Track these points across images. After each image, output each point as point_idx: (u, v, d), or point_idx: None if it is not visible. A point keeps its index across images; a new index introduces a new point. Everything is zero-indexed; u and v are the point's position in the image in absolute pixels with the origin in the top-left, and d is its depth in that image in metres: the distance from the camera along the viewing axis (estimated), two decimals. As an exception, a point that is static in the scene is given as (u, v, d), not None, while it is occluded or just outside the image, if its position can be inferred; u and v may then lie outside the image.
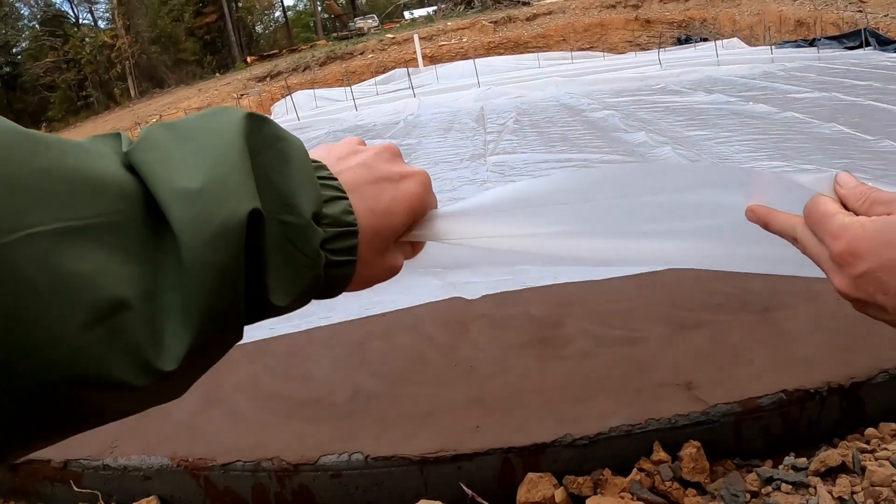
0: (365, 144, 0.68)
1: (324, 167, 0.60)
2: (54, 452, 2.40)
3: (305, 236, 0.53)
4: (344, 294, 0.61)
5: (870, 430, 2.02)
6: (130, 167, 0.48)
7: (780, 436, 1.99)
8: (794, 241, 0.73)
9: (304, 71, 27.43)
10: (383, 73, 23.90)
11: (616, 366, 2.26)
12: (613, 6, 27.19)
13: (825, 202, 0.70)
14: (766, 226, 0.75)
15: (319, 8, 53.22)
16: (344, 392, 2.42)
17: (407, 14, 41.66)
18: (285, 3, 57.63)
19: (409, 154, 6.71)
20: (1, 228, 0.38)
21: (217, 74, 36.03)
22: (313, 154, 0.63)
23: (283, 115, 18.14)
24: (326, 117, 13.11)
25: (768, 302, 2.55)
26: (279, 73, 27.00)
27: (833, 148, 4.86)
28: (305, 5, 58.21)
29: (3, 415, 0.39)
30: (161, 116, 21.64)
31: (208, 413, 2.47)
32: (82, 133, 24.99)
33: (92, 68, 38.44)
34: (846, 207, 0.69)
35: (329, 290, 0.59)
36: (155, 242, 0.46)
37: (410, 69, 18.82)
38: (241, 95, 23.64)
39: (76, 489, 2.37)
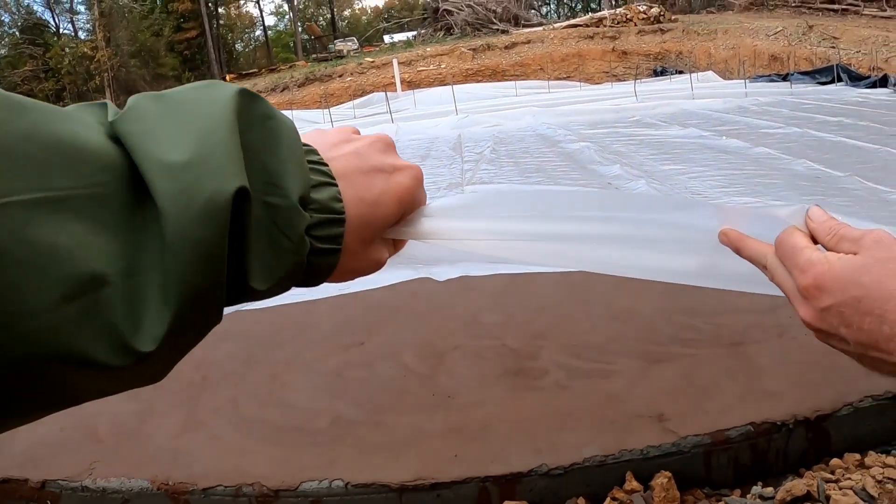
0: (359, 133, 0.66)
1: (314, 151, 0.58)
2: (32, 472, 2.38)
3: (291, 220, 0.52)
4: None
5: (835, 461, 2.10)
6: (115, 138, 0.46)
7: (748, 466, 2.06)
8: (763, 268, 0.75)
9: (282, 91, 27.43)
10: (361, 96, 23.95)
11: (590, 397, 2.32)
12: (591, 37, 27.47)
13: (796, 235, 0.72)
14: (737, 251, 0.77)
15: (300, 29, 53.35)
16: (324, 419, 2.45)
17: (387, 38, 41.87)
18: (266, 23, 57.81)
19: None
20: None
21: (195, 92, 36.00)
22: (305, 138, 0.61)
23: (261, 135, 18.19)
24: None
25: (738, 337, 2.63)
26: (258, 93, 27.07)
27: (803, 184, 4.98)
28: (286, 25, 58.33)
29: None
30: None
31: (188, 436, 2.48)
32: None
33: (70, 79, 38.13)
34: (815, 241, 0.71)
35: (311, 278, 0.57)
36: (137, 217, 0.44)
37: (389, 94, 18.90)
38: (219, 114, 23.65)
39: (53, 510, 2.35)
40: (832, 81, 14.62)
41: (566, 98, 15.51)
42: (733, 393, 2.21)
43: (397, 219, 0.65)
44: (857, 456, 2.08)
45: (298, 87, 27.69)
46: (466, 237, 0.70)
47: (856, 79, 14.47)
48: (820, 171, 5.34)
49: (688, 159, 6.26)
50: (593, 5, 51.66)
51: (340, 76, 27.88)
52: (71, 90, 38.53)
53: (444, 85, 22.00)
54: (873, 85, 13.15)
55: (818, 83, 14.86)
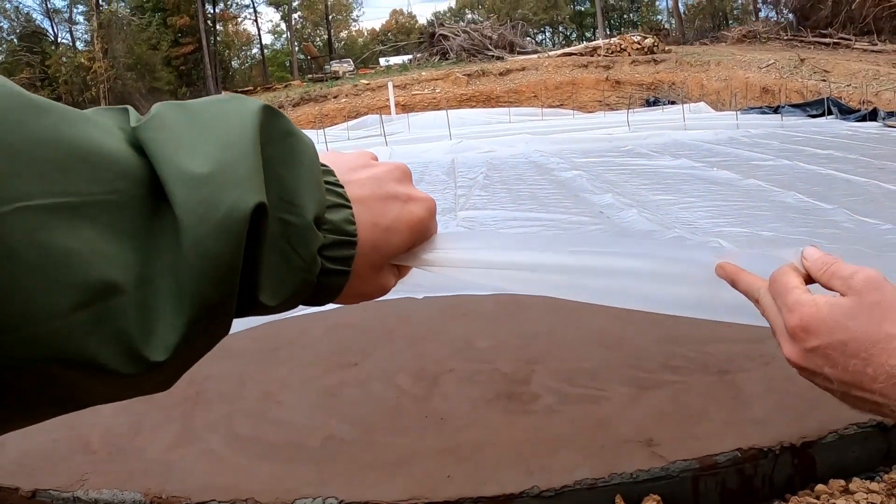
0: (377, 160, 0.67)
1: (331, 172, 0.59)
2: (23, 481, 2.38)
3: (304, 238, 0.52)
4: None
5: (820, 487, 2.15)
6: (135, 144, 0.46)
7: (735, 491, 2.10)
8: (756, 302, 0.76)
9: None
10: (356, 117, 24.00)
11: (581, 422, 2.36)
12: (585, 66, 27.67)
13: (789, 274, 0.73)
14: (733, 283, 0.78)
15: (297, 48, 53.56)
16: (318, 437, 2.48)
17: (382, 61, 42.08)
18: (263, 41, 58.03)
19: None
20: None
21: (190, 108, 35.96)
22: (322, 159, 0.61)
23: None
24: (299, 160, 13.08)
25: (726, 365, 2.68)
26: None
27: (792, 216, 5.04)
28: (283, 44, 58.59)
29: None
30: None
31: (181, 451, 2.49)
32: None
33: (66, 88, 38.03)
34: (810, 279, 0.72)
35: (319, 297, 0.57)
36: (153, 226, 0.44)
37: (383, 116, 18.97)
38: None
39: (43, 521, 2.33)
40: (823, 114, 14.73)
41: (559, 126, 15.61)
42: (721, 419, 2.26)
43: (408, 247, 0.65)
44: (842, 482, 2.13)
45: (293, 106, 27.77)
46: (470, 266, 0.72)
47: (846, 112, 14.58)
48: (809, 203, 5.42)
49: (679, 190, 6.33)
50: (588, 34, 52.17)
51: (335, 97, 27.97)
52: (66, 100, 38.49)
53: (439, 109, 22.09)
54: (863, 118, 13.26)
55: (809, 116, 14.96)
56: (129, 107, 0.50)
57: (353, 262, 0.57)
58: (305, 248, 0.52)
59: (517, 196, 6.63)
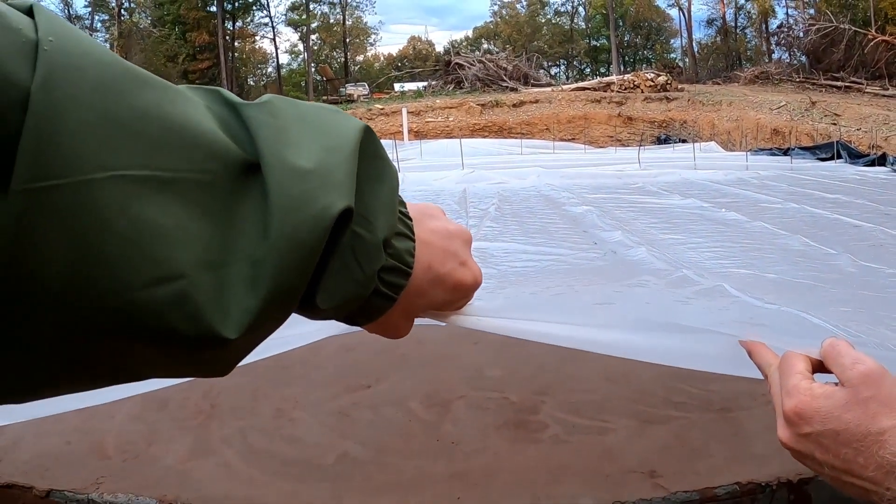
0: (445, 215, 0.69)
1: (404, 204, 0.61)
2: (37, 481, 2.40)
3: (371, 255, 0.54)
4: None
5: (814, 521, 2.23)
6: (227, 127, 0.47)
7: (733, 523, 2.19)
8: (765, 378, 0.79)
9: (290, 131, 27.54)
10: (369, 142, 24.06)
11: (586, 452, 2.45)
12: (598, 101, 27.83)
13: (796, 357, 0.75)
14: (750, 354, 0.82)
15: (313, 69, 53.93)
16: (331, 455, 2.54)
17: (397, 86, 42.33)
18: (280, 60, 58.47)
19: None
20: (89, 165, 0.37)
21: (204, 124, 36.01)
22: None
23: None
24: (312, 182, 13.06)
25: (727, 403, 2.77)
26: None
27: (798, 259, 5.09)
28: (299, 64, 58.96)
29: (48, 347, 0.39)
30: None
31: (196, 461, 2.54)
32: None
33: (83, 95, 38.11)
34: (822, 366, 0.73)
35: (360, 316, 0.59)
36: (237, 209, 0.45)
37: (396, 141, 19.06)
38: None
39: (56, 521, 2.34)
40: (832, 158, 14.69)
41: (571, 160, 15.68)
42: (722, 455, 2.34)
43: (441, 306, 0.67)
44: (835, 520, 2.21)
45: (307, 127, 27.88)
46: (487, 328, 0.76)
47: (855, 156, 14.51)
48: (814, 247, 5.47)
49: (687, 230, 6.38)
50: (602, 69, 52.45)
51: (349, 120, 28.06)
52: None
53: (451, 138, 22.15)
54: (872, 163, 13.21)
55: (818, 159, 14.91)
56: (221, 88, 0.52)
57: (401, 293, 0.59)
58: (369, 264, 0.54)
59: (528, 229, 6.68)
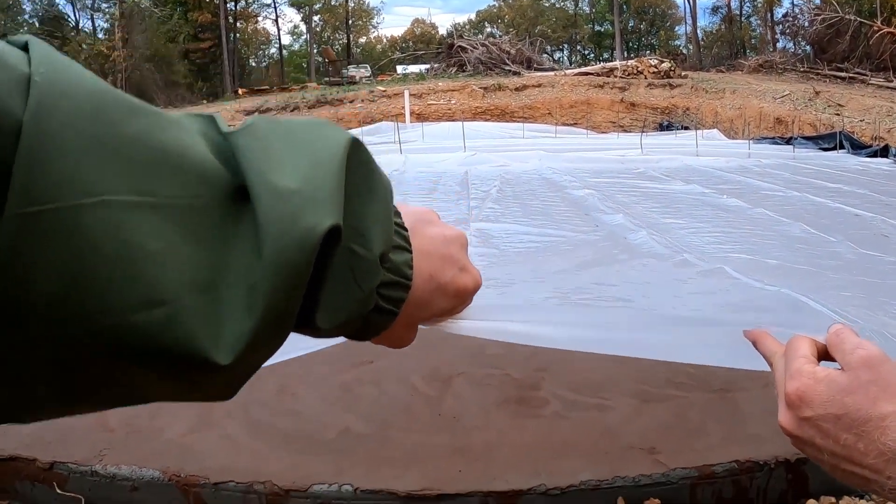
0: (440, 219, 0.68)
1: (399, 214, 0.59)
2: (40, 453, 2.42)
3: (368, 272, 0.53)
4: None
5: (811, 502, 2.25)
6: (220, 152, 0.47)
7: (730, 500, 2.22)
8: (770, 366, 0.78)
9: (292, 111, 27.40)
10: (370, 123, 23.89)
11: (587, 428, 2.47)
12: (601, 86, 27.71)
13: (801, 341, 0.75)
14: (755, 344, 0.81)
15: (315, 51, 53.72)
16: (333, 430, 2.57)
17: (400, 69, 42.06)
18: (282, 42, 58.27)
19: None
20: (79, 189, 0.38)
21: (205, 101, 35.93)
22: None
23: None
24: (314, 162, 12.96)
25: (727, 384, 2.79)
26: (268, 110, 26.71)
27: (798, 246, 5.11)
28: (301, 46, 58.73)
29: (44, 369, 0.39)
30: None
31: (199, 434, 2.56)
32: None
33: (83, 76, 37.83)
34: (828, 354, 0.73)
35: (363, 332, 0.58)
36: (228, 232, 0.45)
37: (398, 123, 19.00)
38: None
39: (59, 492, 2.37)
40: (834, 148, 14.65)
41: (573, 145, 15.66)
42: (720, 434, 2.37)
43: (444, 313, 0.66)
44: (832, 499, 2.24)
45: (309, 108, 27.77)
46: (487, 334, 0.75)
47: (858, 147, 14.49)
48: (815, 234, 5.48)
49: (688, 214, 6.39)
50: (606, 55, 52.27)
51: (351, 102, 27.95)
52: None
53: (453, 121, 22.06)
54: (874, 154, 13.20)
55: (821, 149, 14.87)
56: (217, 114, 0.51)
57: (403, 306, 0.58)
58: (367, 281, 0.53)
59: (529, 211, 6.69)
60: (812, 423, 0.69)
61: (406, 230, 0.59)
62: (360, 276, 0.52)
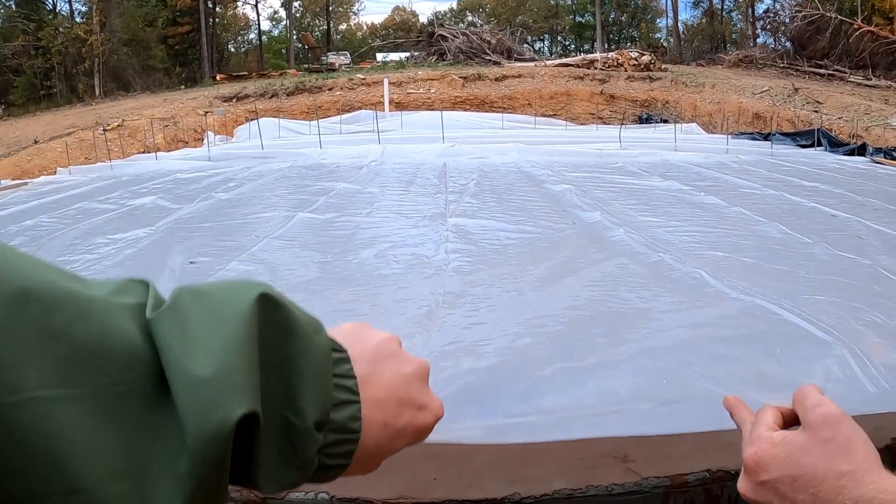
0: (401, 345, 0.67)
1: (345, 360, 0.59)
2: None
3: (303, 441, 0.53)
4: None
5: (781, 510, 2.28)
6: (147, 329, 0.48)
7: (702, 509, 2.24)
8: (740, 433, 0.81)
9: (271, 98, 27.19)
10: (349, 111, 23.87)
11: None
12: (581, 78, 27.72)
13: (766, 410, 0.77)
14: (730, 413, 0.84)
15: (295, 37, 53.43)
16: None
17: (380, 56, 41.88)
18: (261, 27, 57.87)
19: (371, 203, 6.72)
20: (3, 387, 0.39)
21: (183, 87, 35.61)
22: (345, 334, 0.62)
23: (246, 139, 18.09)
24: (290, 150, 12.84)
25: (701, 390, 2.82)
26: (246, 97, 26.58)
27: (774, 247, 5.15)
28: (280, 32, 58.41)
29: None
30: (123, 121, 21.27)
31: None
32: (41, 122, 24.39)
33: (60, 59, 37.45)
34: (796, 419, 0.75)
35: (315, 480, 0.58)
36: (155, 415, 0.45)
37: (377, 112, 18.95)
38: (206, 113, 23.35)
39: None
40: (812, 145, 14.82)
41: (551, 137, 15.71)
42: (693, 443, 2.39)
43: (404, 447, 0.66)
44: (801, 510, 2.27)
45: (287, 95, 27.60)
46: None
47: (835, 145, 14.66)
48: (791, 235, 5.53)
49: (666, 212, 6.43)
50: (587, 46, 52.37)
51: (330, 89, 27.78)
52: (59, 71, 38.03)
53: (432, 110, 22.04)
54: (851, 152, 13.36)
55: (799, 145, 15.05)
56: (150, 282, 0.52)
57: (354, 455, 0.58)
58: (303, 450, 0.54)
59: (507, 207, 6.70)
60: (769, 486, 0.71)
61: (353, 378, 0.58)
62: (296, 444, 0.53)
